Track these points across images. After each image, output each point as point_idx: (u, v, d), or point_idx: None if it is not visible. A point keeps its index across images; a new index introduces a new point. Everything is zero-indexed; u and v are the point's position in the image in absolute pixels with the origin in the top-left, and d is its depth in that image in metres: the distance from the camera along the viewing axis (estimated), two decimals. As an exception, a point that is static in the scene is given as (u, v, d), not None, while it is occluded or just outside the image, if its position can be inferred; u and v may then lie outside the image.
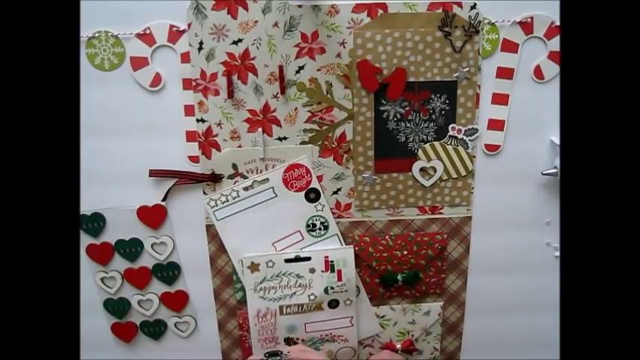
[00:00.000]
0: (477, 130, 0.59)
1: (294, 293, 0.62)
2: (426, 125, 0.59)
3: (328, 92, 0.58)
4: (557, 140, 0.59)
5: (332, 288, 0.62)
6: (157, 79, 0.57)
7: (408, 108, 0.58)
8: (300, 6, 0.54)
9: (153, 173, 0.60)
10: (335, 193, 0.62)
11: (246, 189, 0.60)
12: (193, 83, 0.57)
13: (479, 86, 0.58)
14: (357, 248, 0.63)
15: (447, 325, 0.68)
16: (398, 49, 0.56)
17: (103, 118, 0.58)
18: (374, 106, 0.58)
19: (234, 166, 0.60)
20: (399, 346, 0.67)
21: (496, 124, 0.59)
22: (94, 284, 0.64)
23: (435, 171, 0.61)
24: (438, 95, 0.58)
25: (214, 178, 0.60)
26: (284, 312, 0.63)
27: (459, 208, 0.63)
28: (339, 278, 0.62)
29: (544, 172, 0.60)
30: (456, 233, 0.63)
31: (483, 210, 0.63)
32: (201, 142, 0.59)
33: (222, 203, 0.60)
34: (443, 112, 0.59)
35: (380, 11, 0.55)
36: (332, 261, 0.62)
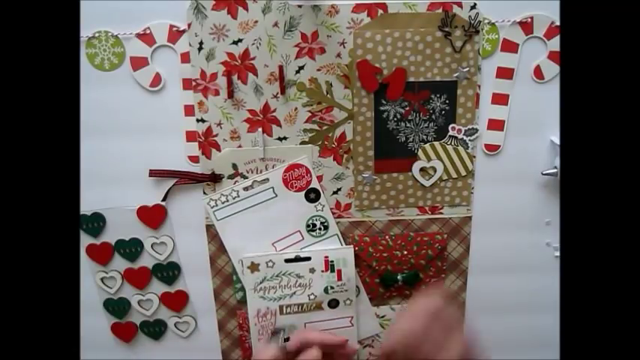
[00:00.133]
0: (476, 130, 0.59)
1: (294, 293, 0.62)
2: (426, 125, 0.59)
3: (328, 92, 0.58)
4: (557, 140, 0.59)
5: (332, 288, 0.62)
6: (156, 79, 0.57)
7: (408, 108, 0.58)
8: (300, 6, 0.54)
9: (153, 173, 0.60)
10: (335, 193, 0.62)
11: (246, 189, 0.60)
12: (193, 83, 0.57)
13: (479, 86, 0.58)
14: (357, 248, 0.63)
15: (447, 325, 0.68)
16: (398, 49, 0.56)
17: (103, 118, 0.58)
18: (374, 106, 0.58)
19: (234, 166, 0.60)
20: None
21: (496, 124, 0.60)
22: (94, 284, 0.64)
23: (435, 171, 0.61)
24: (438, 95, 0.58)
25: (214, 178, 0.60)
26: (284, 312, 0.63)
27: (459, 208, 0.63)
28: (339, 278, 0.62)
29: (544, 172, 0.60)
30: (456, 233, 0.63)
31: (483, 210, 0.63)
32: (201, 142, 0.59)
33: (222, 203, 0.60)
34: (443, 112, 0.59)
35: (380, 11, 0.55)
36: (332, 261, 0.62)
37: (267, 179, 0.60)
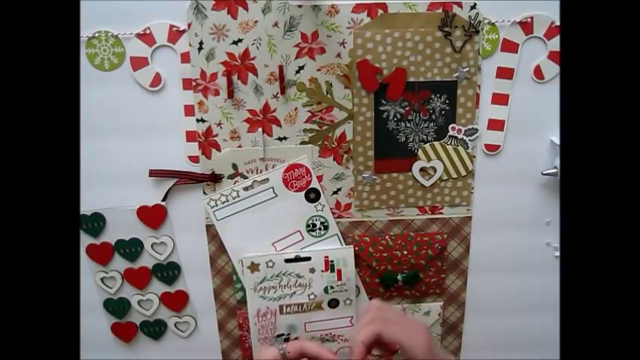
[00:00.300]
0: (476, 130, 0.59)
1: (294, 293, 0.62)
2: (426, 125, 0.59)
3: (328, 92, 0.58)
4: (557, 140, 0.59)
5: (332, 287, 0.62)
6: (156, 79, 0.57)
7: (408, 108, 0.58)
8: (300, 6, 0.54)
9: (153, 173, 0.60)
10: (335, 193, 0.62)
11: (246, 189, 0.60)
12: (193, 83, 0.57)
13: (479, 86, 0.58)
14: (357, 248, 0.63)
15: (447, 325, 0.68)
16: (398, 49, 0.56)
17: (103, 118, 0.58)
18: (374, 106, 0.58)
19: (234, 166, 0.60)
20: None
21: (496, 124, 0.59)
22: (94, 284, 0.64)
23: (435, 171, 0.61)
24: (438, 95, 0.58)
25: (214, 178, 0.60)
26: (284, 311, 0.63)
27: (459, 208, 0.63)
28: (339, 278, 0.62)
29: (544, 172, 0.60)
30: (456, 233, 0.63)
31: (483, 210, 0.63)
32: (201, 142, 0.59)
33: (222, 203, 0.60)
34: (443, 112, 0.59)
35: (380, 11, 0.55)
36: (332, 261, 0.62)
37: (267, 179, 0.60)
